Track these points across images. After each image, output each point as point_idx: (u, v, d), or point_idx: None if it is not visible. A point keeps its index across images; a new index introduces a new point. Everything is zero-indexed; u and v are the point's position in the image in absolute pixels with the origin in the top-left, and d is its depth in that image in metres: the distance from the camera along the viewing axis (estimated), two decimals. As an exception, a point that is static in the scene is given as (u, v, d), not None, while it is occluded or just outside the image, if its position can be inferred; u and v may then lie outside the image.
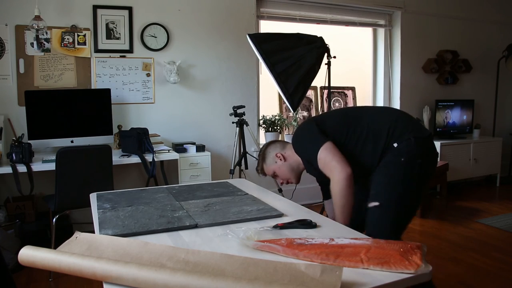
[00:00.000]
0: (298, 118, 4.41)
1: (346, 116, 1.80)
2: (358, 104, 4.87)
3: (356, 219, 1.68)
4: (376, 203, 1.61)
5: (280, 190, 3.60)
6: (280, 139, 4.26)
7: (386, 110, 1.89)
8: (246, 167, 3.49)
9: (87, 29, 3.39)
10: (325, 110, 4.58)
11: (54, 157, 2.64)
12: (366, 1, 4.52)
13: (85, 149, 2.68)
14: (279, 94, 4.19)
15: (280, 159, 1.92)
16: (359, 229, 1.35)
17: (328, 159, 1.64)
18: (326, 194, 1.96)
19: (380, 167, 1.67)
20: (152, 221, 1.30)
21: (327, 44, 3.28)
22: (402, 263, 0.92)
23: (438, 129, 4.88)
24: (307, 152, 1.77)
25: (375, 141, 1.68)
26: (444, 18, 5.00)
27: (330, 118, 1.85)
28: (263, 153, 2.00)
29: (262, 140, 4.24)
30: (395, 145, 1.64)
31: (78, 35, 3.37)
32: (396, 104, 4.84)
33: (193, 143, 3.52)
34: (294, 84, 3.04)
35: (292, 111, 3.37)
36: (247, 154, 3.50)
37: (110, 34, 3.47)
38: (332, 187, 1.62)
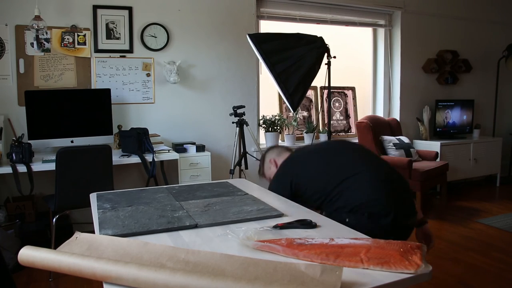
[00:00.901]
0: (298, 118, 4.41)
1: (327, 174, 1.67)
2: (358, 104, 4.88)
3: None
4: None
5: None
6: (279, 142, 4.26)
7: (376, 178, 1.63)
8: (246, 167, 3.48)
9: (87, 29, 3.39)
10: (325, 111, 4.58)
11: (54, 157, 2.64)
12: (366, 1, 4.52)
13: (85, 149, 2.67)
14: (279, 94, 4.19)
15: (274, 166, 1.93)
16: None
17: None
18: None
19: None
20: (152, 221, 1.30)
21: (327, 44, 3.28)
22: (402, 263, 0.92)
23: (438, 129, 4.88)
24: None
25: (341, 210, 1.59)
26: (444, 18, 5.00)
27: (311, 174, 1.71)
28: (263, 157, 2.05)
29: (262, 140, 4.25)
30: (347, 220, 1.54)
31: (78, 35, 3.37)
32: (396, 104, 4.85)
33: (193, 143, 3.52)
34: (294, 84, 3.04)
35: (292, 111, 3.37)
36: (247, 154, 3.50)
37: (110, 34, 3.47)
38: None
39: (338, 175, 1.63)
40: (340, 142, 1.89)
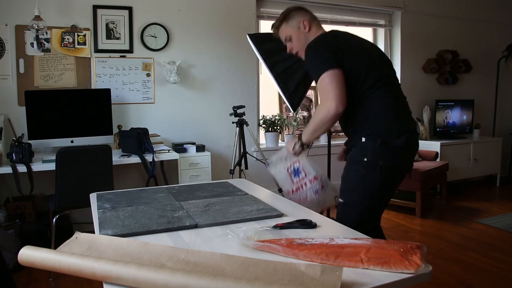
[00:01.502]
0: (298, 118, 4.41)
1: (364, 68, 1.66)
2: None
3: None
4: (341, 200, 1.71)
5: (280, 190, 3.60)
6: (280, 142, 4.26)
7: (392, 94, 1.70)
8: (246, 167, 3.48)
9: (87, 29, 3.39)
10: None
11: (54, 157, 2.64)
12: (366, 1, 4.52)
13: (85, 149, 2.68)
14: (279, 94, 4.19)
15: (305, 28, 1.82)
16: None
17: (330, 87, 1.58)
18: None
19: (348, 161, 1.73)
20: (152, 221, 1.30)
21: (327, 44, 3.28)
22: (402, 263, 0.92)
23: (438, 129, 4.88)
24: (312, 66, 1.67)
25: (354, 116, 1.68)
26: (444, 18, 5.00)
27: (350, 57, 1.68)
28: (289, 12, 1.87)
29: (262, 140, 4.25)
30: (363, 139, 1.64)
31: (78, 35, 3.37)
32: (396, 104, 4.84)
33: (193, 143, 3.52)
34: (294, 84, 3.04)
35: (292, 111, 3.37)
36: (247, 154, 3.50)
37: (110, 34, 3.47)
38: (318, 110, 1.65)
39: (372, 72, 1.66)
40: (371, 43, 1.89)
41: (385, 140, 1.61)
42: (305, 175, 1.74)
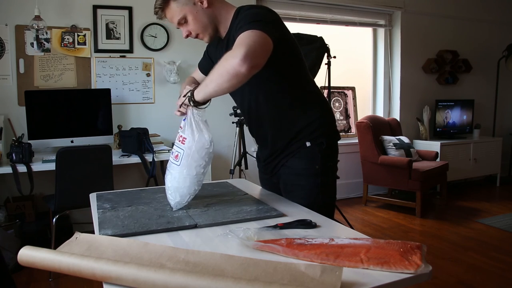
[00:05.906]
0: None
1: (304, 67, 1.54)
2: (358, 104, 4.88)
3: None
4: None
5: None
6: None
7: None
8: (246, 167, 3.49)
9: (87, 29, 3.39)
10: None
11: (54, 157, 2.64)
12: (366, 1, 4.52)
13: (85, 149, 2.68)
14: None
15: (201, 2, 1.44)
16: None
17: (256, 39, 1.20)
18: None
19: (296, 175, 1.54)
20: (151, 221, 1.30)
21: (327, 44, 3.28)
22: (402, 263, 0.92)
23: (438, 129, 4.88)
24: (243, 21, 1.30)
25: (298, 114, 1.52)
26: (444, 18, 5.01)
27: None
28: None
29: (262, 140, 4.24)
30: (308, 144, 1.51)
31: (78, 35, 3.37)
32: (396, 104, 4.85)
33: (193, 143, 3.52)
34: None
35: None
36: (247, 154, 3.51)
37: (110, 34, 3.47)
38: (227, 62, 1.19)
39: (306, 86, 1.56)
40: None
41: (329, 140, 1.53)
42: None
